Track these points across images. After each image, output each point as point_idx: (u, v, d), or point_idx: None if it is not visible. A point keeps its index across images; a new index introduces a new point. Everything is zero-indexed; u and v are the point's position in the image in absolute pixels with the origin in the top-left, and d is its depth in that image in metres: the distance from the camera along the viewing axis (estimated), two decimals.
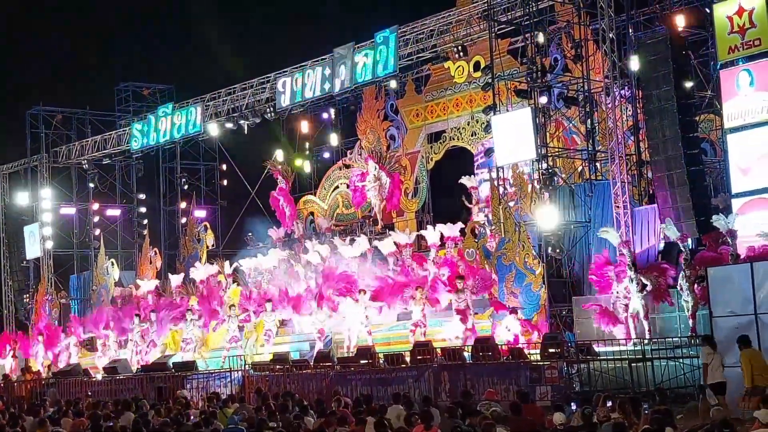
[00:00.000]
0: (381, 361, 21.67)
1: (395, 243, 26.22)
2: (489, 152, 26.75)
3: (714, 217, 20.32)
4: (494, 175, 25.49)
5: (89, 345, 32.19)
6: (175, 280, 31.51)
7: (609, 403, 13.34)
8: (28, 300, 38.53)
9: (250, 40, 44.60)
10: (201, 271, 30.61)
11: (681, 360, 18.09)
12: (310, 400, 17.84)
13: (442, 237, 25.67)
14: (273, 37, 44.19)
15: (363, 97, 32.60)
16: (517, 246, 22.37)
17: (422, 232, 27.24)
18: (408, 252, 26.15)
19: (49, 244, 37.93)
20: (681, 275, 19.67)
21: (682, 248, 19.94)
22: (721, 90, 21.29)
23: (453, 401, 15.82)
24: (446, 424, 11.67)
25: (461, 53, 28.27)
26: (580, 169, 25.26)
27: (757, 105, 20.44)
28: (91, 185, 38.48)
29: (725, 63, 21.13)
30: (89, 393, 25.12)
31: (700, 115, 23.55)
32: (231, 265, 30.82)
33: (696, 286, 19.40)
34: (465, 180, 29.07)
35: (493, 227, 24.79)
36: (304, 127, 36.25)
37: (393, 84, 30.12)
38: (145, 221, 39.32)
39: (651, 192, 23.40)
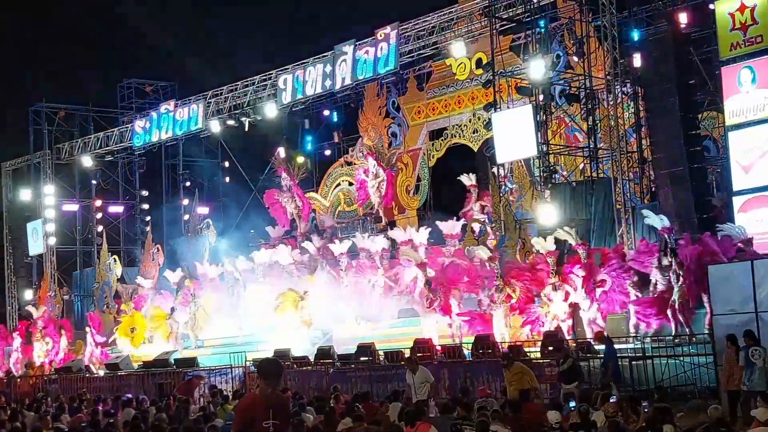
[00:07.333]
0: (381, 359, 21.64)
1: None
2: (489, 149, 26.66)
3: (727, 225, 20.00)
4: (495, 172, 25.43)
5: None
6: (172, 277, 31.37)
7: (612, 399, 13.26)
8: (31, 296, 38.59)
9: (252, 37, 44.67)
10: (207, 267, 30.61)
11: (681, 358, 18.03)
12: (309, 397, 17.83)
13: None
14: (274, 34, 44.20)
15: (364, 94, 32.54)
16: (517, 243, 22.32)
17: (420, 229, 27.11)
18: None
19: (52, 241, 38.01)
20: (672, 271, 19.42)
21: (668, 240, 19.69)
22: (723, 87, 21.20)
23: (451, 398, 15.78)
24: (442, 421, 11.63)
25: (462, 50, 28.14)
26: (581, 166, 25.19)
27: (759, 102, 20.34)
28: (94, 182, 38.52)
29: (727, 60, 21.02)
30: (84, 390, 25.00)
31: (702, 113, 23.45)
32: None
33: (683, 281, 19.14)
34: (464, 178, 28.93)
35: (493, 225, 24.73)
36: (306, 124, 36.21)
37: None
38: (148, 218, 39.34)
39: (653, 189, 23.33)
